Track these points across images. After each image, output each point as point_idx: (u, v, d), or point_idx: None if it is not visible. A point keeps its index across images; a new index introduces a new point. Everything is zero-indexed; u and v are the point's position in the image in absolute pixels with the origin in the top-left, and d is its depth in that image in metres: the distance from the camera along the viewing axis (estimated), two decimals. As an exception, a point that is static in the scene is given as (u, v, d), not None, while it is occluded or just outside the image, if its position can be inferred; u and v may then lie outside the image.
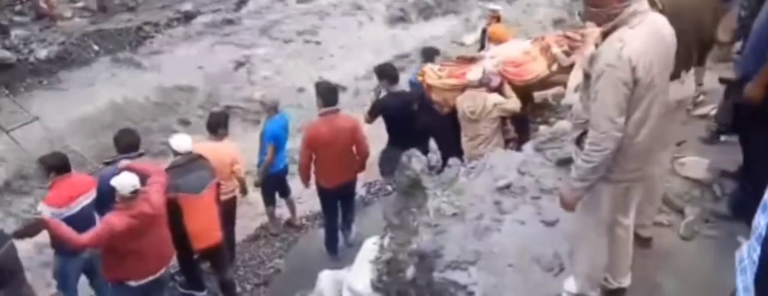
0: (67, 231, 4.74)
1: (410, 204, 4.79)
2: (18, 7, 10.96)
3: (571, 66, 6.49)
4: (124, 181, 4.76)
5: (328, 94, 6.02)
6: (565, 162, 4.28)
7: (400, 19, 11.77)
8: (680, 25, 3.04)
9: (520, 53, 6.62)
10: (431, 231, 4.20)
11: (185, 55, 10.17)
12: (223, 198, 5.91)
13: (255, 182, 6.81)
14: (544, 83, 6.58)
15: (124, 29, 10.61)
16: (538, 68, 6.54)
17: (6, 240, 4.38)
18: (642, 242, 3.66)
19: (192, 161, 5.49)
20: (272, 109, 6.62)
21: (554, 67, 6.56)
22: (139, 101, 9.02)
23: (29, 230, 4.69)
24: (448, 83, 6.49)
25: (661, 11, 3.09)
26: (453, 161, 4.97)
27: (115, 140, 5.66)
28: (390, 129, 6.68)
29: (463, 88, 6.40)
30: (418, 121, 6.61)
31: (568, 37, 6.73)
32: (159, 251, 5.11)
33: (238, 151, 6.29)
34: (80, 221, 5.04)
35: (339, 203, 6.44)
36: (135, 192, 4.77)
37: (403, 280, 4.20)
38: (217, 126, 6.20)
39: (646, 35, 2.85)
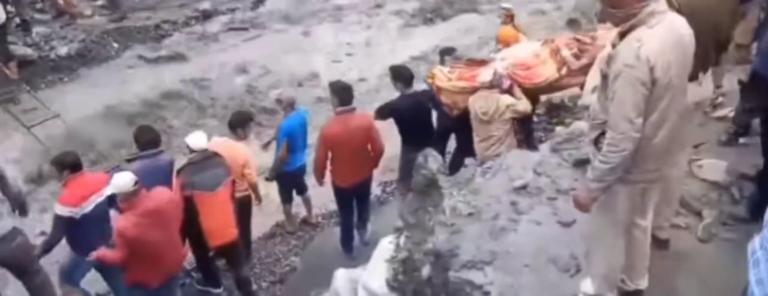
0: (104, 255, 4.90)
1: (426, 204, 4.81)
2: (39, 5, 11.10)
3: (581, 69, 6.45)
4: (121, 180, 4.75)
5: (343, 93, 6.04)
6: (582, 163, 4.28)
7: (420, 17, 11.77)
8: (697, 25, 3.03)
9: (530, 56, 6.59)
10: (447, 231, 4.21)
11: (203, 53, 10.24)
12: (238, 195, 5.96)
13: (266, 177, 6.85)
14: (553, 86, 6.55)
15: (143, 27, 10.71)
16: (548, 71, 6.51)
17: (17, 235, 4.45)
18: (659, 244, 3.65)
19: (207, 159, 5.52)
20: (289, 106, 6.66)
21: (564, 71, 6.53)
22: (158, 98, 9.08)
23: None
24: (458, 85, 6.45)
25: (678, 11, 3.09)
26: (469, 161, 4.98)
27: (136, 137, 5.73)
28: (404, 131, 6.64)
29: (473, 91, 6.38)
30: (436, 121, 6.61)
31: (578, 40, 6.70)
32: (171, 252, 5.15)
33: (251, 156, 6.30)
34: (94, 219, 5.11)
35: (354, 202, 6.47)
36: (135, 184, 4.77)
37: (419, 279, 4.21)
38: (238, 126, 6.26)
39: (665, 35, 2.84)
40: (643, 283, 3.40)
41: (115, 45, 10.35)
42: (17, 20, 9.88)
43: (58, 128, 8.17)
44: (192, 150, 5.55)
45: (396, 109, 6.54)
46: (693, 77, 3.24)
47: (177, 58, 10.03)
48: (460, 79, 6.49)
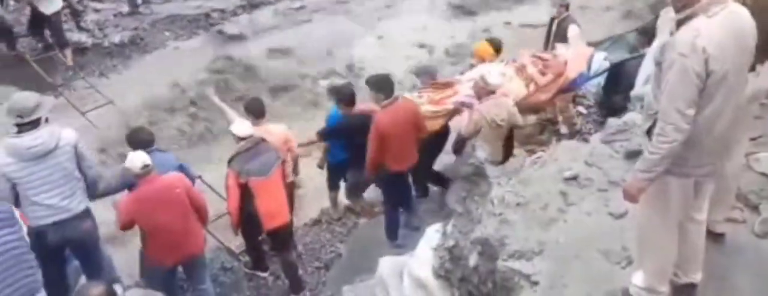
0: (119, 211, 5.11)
1: (474, 192, 4.82)
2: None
3: (547, 85, 6.55)
4: (132, 161, 4.96)
5: (384, 85, 6.00)
6: (634, 155, 4.21)
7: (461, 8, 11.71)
8: (762, 17, 2.94)
9: (497, 73, 6.39)
10: (495, 220, 4.22)
11: (253, 41, 10.36)
12: None
13: (317, 164, 6.97)
14: (521, 105, 6.41)
15: (194, 16, 10.89)
16: (517, 88, 6.48)
17: (88, 217, 4.60)
18: (714, 238, 3.58)
19: (255, 145, 5.66)
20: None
21: (532, 87, 6.56)
22: (207, 85, 9.24)
23: None
24: (430, 110, 6.30)
25: (742, 2, 3.00)
26: (519, 151, 4.95)
27: (129, 139, 5.76)
28: (352, 152, 6.49)
29: (447, 114, 6.35)
30: None
31: (539, 58, 6.73)
32: (184, 236, 5.27)
33: (288, 132, 6.41)
34: None
35: (402, 187, 6.44)
36: (145, 167, 4.96)
37: (466, 268, 4.24)
38: (260, 112, 6.29)
39: (723, 26, 2.77)
40: (697, 277, 3.35)
41: (167, 33, 10.56)
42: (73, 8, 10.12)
43: (111, 114, 8.39)
44: (239, 139, 5.67)
45: (341, 129, 6.39)
46: (751, 68, 3.16)
47: (226, 46, 10.17)
48: (430, 102, 6.36)
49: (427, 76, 6.92)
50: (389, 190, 6.46)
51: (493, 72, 6.19)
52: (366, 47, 10.54)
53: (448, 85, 6.65)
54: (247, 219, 5.71)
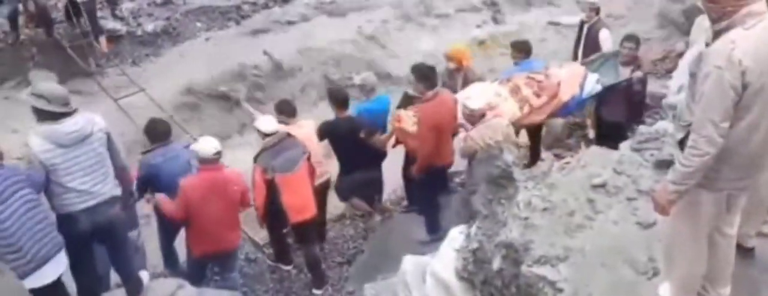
0: (163, 202, 5.34)
1: (500, 195, 4.80)
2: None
3: (541, 107, 6.51)
4: (204, 144, 5.21)
5: (431, 75, 5.93)
6: (664, 164, 4.16)
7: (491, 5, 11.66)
8: None
9: (491, 93, 6.42)
10: (520, 224, 4.20)
11: (283, 33, 10.41)
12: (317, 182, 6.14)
13: None
14: (515, 125, 6.33)
15: (226, 7, 10.98)
16: (511, 110, 6.41)
17: (116, 204, 4.68)
18: (745, 252, 3.53)
19: (281, 141, 5.69)
20: (368, 92, 6.68)
21: (526, 109, 6.49)
22: (236, 77, 9.32)
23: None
24: None
25: None
26: (547, 155, 4.93)
27: (147, 130, 5.76)
28: (339, 155, 6.52)
29: None
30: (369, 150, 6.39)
31: (533, 79, 6.63)
32: (226, 230, 5.42)
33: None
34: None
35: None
36: (217, 153, 5.18)
37: (489, 271, 4.23)
38: (292, 112, 6.33)
39: (760, 38, 2.72)
40: (725, 292, 3.30)
41: (198, 24, 10.67)
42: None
43: (142, 102, 8.51)
44: (265, 135, 5.70)
45: (329, 131, 6.36)
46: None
47: (257, 38, 10.24)
48: None
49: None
50: (430, 186, 6.32)
51: (473, 96, 6.08)
52: (398, 43, 10.54)
53: None
54: (272, 214, 5.78)
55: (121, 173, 4.70)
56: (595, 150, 5.01)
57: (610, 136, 6.50)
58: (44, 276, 4.22)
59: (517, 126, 6.38)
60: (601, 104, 7.08)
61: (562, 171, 4.68)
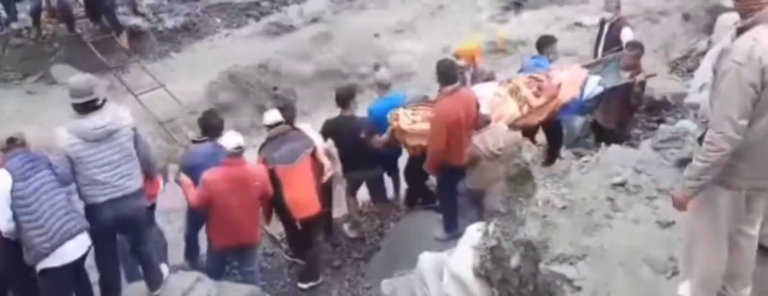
0: (188, 185, 5.44)
1: (518, 193, 4.78)
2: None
3: (540, 108, 6.46)
4: (228, 139, 5.30)
5: (449, 71, 5.88)
6: (685, 163, 4.11)
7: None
8: None
9: (490, 95, 6.35)
10: (539, 222, 4.19)
11: (303, 29, 10.44)
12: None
13: None
14: (513, 126, 6.25)
15: (245, 4, 11.04)
16: (510, 110, 6.36)
17: (142, 196, 4.75)
18: (766, 253, 3.50)
19: (283, 133, 5.77)
20: (384, 88, 6.68)
21: (525, 109, 6.43)
22: (257, 73, 9.38)
23: None
24: (425, 129, 6.06)
25: None
26: (566, 153, 4.91)
27: (201, 121, 5.89)
28: (341, 153, 6.51)
29: None
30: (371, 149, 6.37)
31: (534, 79, 6.59)
32: (247, 224, 5.50)
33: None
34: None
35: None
36: (238, 148, 5.26)
37: (507, 269, 4.22)
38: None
39: None
40: (745, 292, 3.29)
41: (217, 20, 10.74)
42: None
43: (162, 98, 8.58)
44: (269, 127, 5.79)
45: (332, 130, 6.38)
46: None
47: (278, 34, 10.28)
48: (425, 120, 6.13)
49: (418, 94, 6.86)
50: (448, 184, 6.24)
51: (482, 101, 6.02)
52: (418, 39, 10.54)
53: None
54: (279, 208, 5.83)
55: (148, 170, 4.76)
56: (616, 148, 4.98)
57: (606, 137, 6.51)
58: (65, 255, 4.33)
59: (516, 126, 6.33)
60: (597, 106, 7.07)
61: (582, 170, 4.65)
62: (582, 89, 6.71)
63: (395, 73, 8.18)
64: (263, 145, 5.84)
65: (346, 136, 6.29)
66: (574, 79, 6.71)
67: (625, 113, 7.15)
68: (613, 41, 7.43)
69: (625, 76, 6.85)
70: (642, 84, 6.87)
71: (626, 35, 7.36)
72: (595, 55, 7.78)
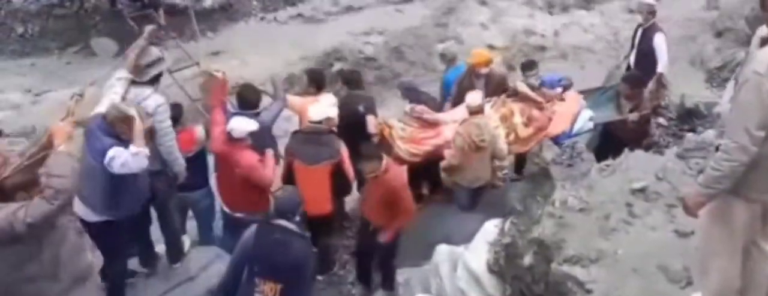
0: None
1: (536, 192, 4.80)
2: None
3: (527, 138, 6.41)
4: (237, 123, 5.19)
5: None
6: (707, 173, 4.11)
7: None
8: None
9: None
10: (555, 223, 4.21)
11: (339, 16, 10.50)
12: None
13: None
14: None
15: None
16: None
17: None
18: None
19: (315, 133, 5.52)
20: (450, 61, 6.82)
21: (511, 137, 6.34)
22: (291, 57, 9.47)
23: None
24: (408, 150, 6.14)
25: None
26: (587, 156, 4.91)
27: (238, 94, 5.67)
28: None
29: (424, 155, 6.19)
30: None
31: (531, 103, 6.49)
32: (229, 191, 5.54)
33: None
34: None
35: None
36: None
37: (520, 266, 4.26)
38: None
39: None
40: (759, 306, 3.27)
41: (254, 2, 10.84)
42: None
43: (196, 75, 8.70)
44: (311, 122, 5.55)
45: None
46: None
47: (312, 20, 10.35)
48: (411, 141, 6.15)
49: (413, 93, 6.84)
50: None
51: (475, 94, 6.08)
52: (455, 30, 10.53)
53: (434, 124, 6.39)
54: None
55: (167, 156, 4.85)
56: (639, 154, 4.96)
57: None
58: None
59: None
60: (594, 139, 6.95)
61: (602, 173, 4.65)
62: (572, 124, 6.64)
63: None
64: (296, 132, 5.75)
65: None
66: (568, 114, 6.65)
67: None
68: (647, 47, 7.36)
69: (626, 106, 6.66)
70: (637, 123, 6.56)
71: (659, 42, 7.28)
72: (627, 59, 7.75)
